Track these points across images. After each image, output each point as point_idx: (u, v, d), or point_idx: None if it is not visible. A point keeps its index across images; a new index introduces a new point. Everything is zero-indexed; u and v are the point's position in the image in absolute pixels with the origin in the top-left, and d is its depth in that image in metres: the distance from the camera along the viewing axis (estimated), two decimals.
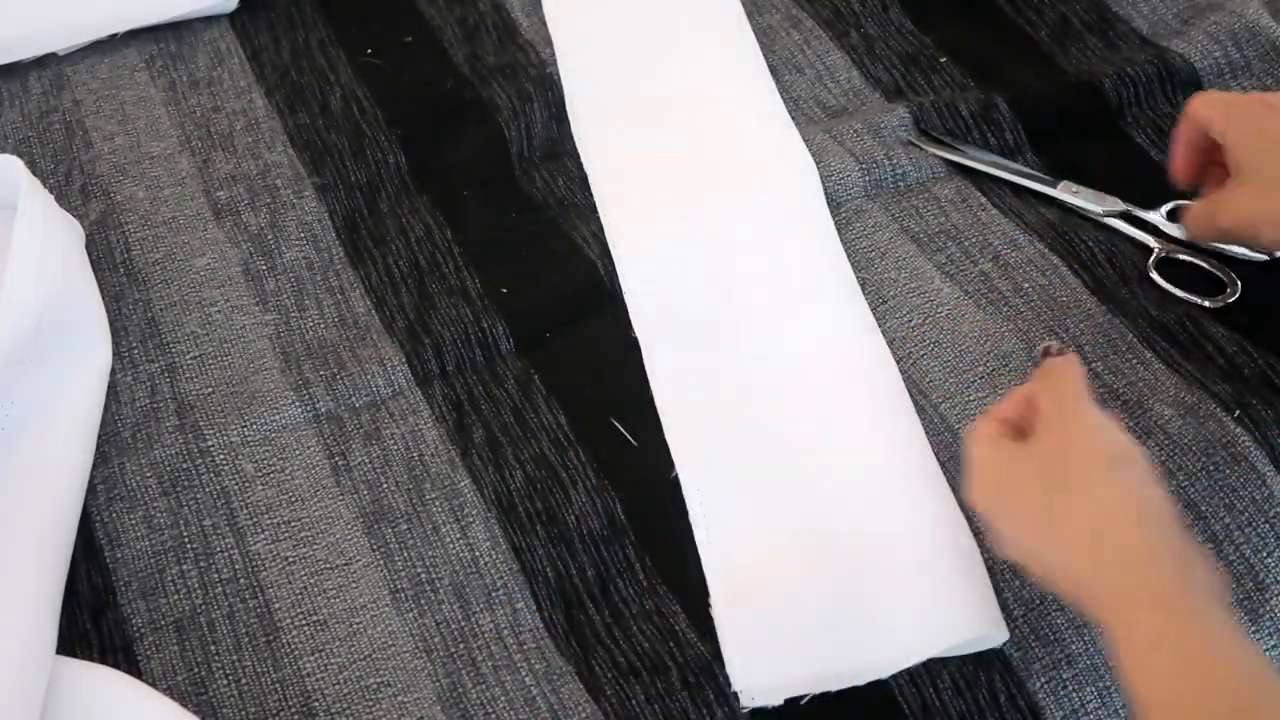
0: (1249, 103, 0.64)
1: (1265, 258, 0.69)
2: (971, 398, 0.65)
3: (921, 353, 0.68)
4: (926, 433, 0.64)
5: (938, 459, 0.63)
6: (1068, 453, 0.53)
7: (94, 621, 0.60)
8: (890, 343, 0.68)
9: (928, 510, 0.60)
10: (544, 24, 0.85)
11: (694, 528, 0.62)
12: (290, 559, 0.62)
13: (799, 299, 0.70)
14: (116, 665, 0.58)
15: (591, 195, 0.76)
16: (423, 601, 0.61)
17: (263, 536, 0.63)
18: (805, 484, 0.62)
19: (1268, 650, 0.58)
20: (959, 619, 0.56)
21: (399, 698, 0.58)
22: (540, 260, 0.73)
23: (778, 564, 0.60)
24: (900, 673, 0.57)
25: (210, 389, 0.68)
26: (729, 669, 0.57)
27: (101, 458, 0.65)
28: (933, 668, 0.57)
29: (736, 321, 0.69)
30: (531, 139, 0.79)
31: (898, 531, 0.60)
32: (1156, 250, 0.70)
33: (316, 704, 0.58)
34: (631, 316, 0.70)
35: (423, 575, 0.62)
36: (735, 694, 0.56)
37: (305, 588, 0.61)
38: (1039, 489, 0.53)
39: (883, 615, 0.58)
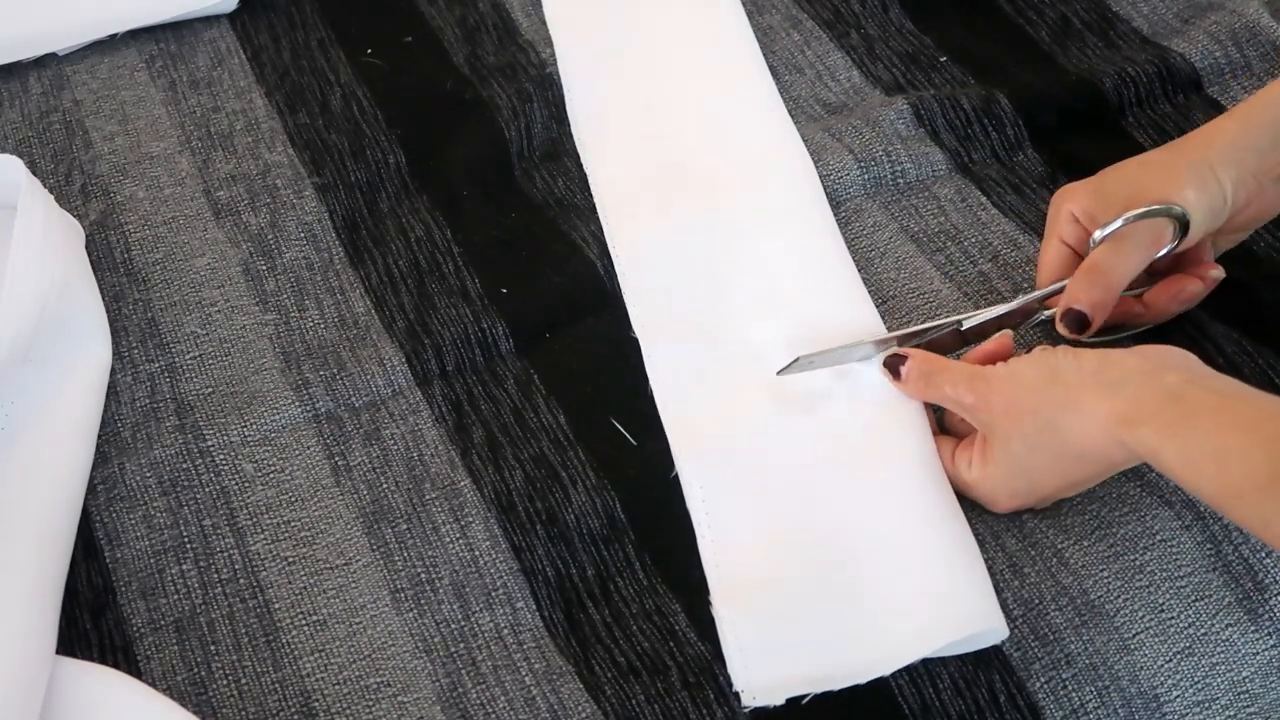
0: None
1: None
2: None
3: None
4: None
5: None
6: (992, 405, 0.58)
7: (94, 621, 0.60)
8: None
9: (927, 507, 0.60)
10: (544, 24, 0.85)
11: (695, 526, 0.62)
12: (290, 559, 0.62)
13: (799, 296, 0.70)
14: (116, 665, 0.58)
15: (591, 195, 0.76)
16: (423, 601, 0.61)
17: (263, 536, 0.63)
18: (806, 483, 0.62)
19: (1268, 650, 0.58)
20: (958, 615, 0.56)
21: (399, 698, 0.58)
22: (540, 260, 0.73)
23: (778, 562, 0.60)
24: (900, 672, 0.57)
25: (210, 389, 0.68)
26: (730, 668, 0.57)
27: (101, 458, 0.65)
28: (933, 667, 0.57)
29: (736, 321, 0.69)
30: (531, 139, 0.79)
31: (898, 529, 0.60)
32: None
33: (316, 704, 0.58)
34: (631, 316, 0.70)
35: (423, 575, 0.62)
36: (736, 694, 0.56)
37: (305, 588, 0.61)
38: (1017, 444, 0.57)
39: (883, 613, 0.58)
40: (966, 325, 0.65)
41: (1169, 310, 0.66)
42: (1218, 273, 0.66)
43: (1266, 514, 0.47)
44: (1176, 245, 0.63)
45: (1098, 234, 0.63)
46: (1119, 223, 0.62)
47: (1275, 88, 0.63)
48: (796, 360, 0.64)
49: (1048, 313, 0.66)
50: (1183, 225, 0.62)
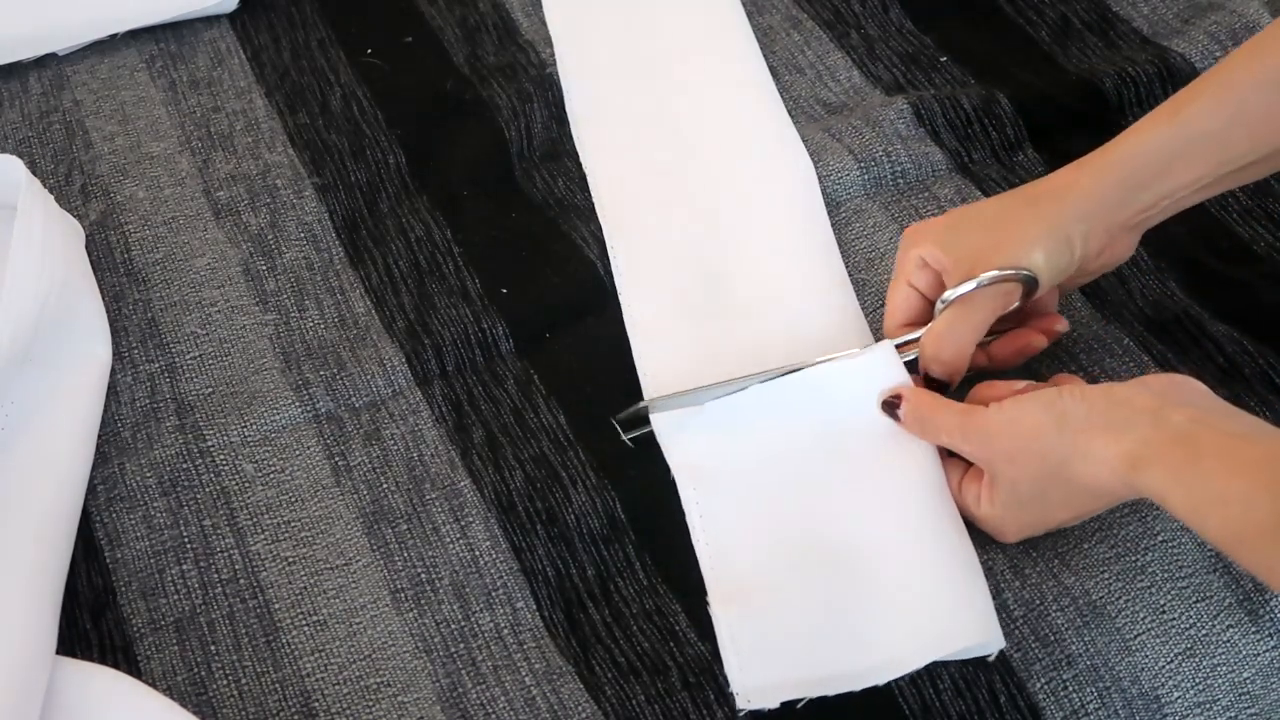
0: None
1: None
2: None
3: None
4: None
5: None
6: (993, 451, 0.57)
7: (94, 621, 0.60)
8: None
9: (926, 516, 0.60)
10: (544, 24, 0.85)
11: (690, 529, 0.62)
12: (290, 559, 0.62)
13: (794, 299, 0.70)
14: (116, 665, 0.58)
15: (591, 195, 0.76)
16: (423, 601, 0.61)
17: (263, 536, 0.63)
18: (801, 486, 0.62)
19: (1269, 651, 0.58)
20: (956, 627, 0.56)
21: (399, 698, 0.58)
22: (540, 260, 0.73)
23: (775, 566, 0.60)
24: None
25: (210, 389, 0.68)
26: (727, 670, 0.57)
27: (101, 458, 0.65)
28: (933, 669, 0.57)
29: (731, 323, 0.69)
30: (531, 139, 0.79)
31: (896, 536, 0.60)
32: None
33: (316, 704, 0.58)
34: (624, 317, 0.70)
35: (423, 575, 0.62)
36: (732, 694, 0.56)
37: (305, 588, 0.61)
38: (1025, 487, 0.56)
39: (880, 621, 0.57)
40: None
41: (1013, 362, 0.65)
42: (1061, 326, 0.66)
43: (1270, 560, 0.47)
44: (1024, 303, 0.63)
45: (949, 294, 0.62)
46: (970, 286, 0.61)
47: (1129, 138, 0.62)
48: (640, 406, 0.64)
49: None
50: (1031, 284, 0.62)
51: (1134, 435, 0.51)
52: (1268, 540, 0.46)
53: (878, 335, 0.68)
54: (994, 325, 0.63)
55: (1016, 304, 0.63)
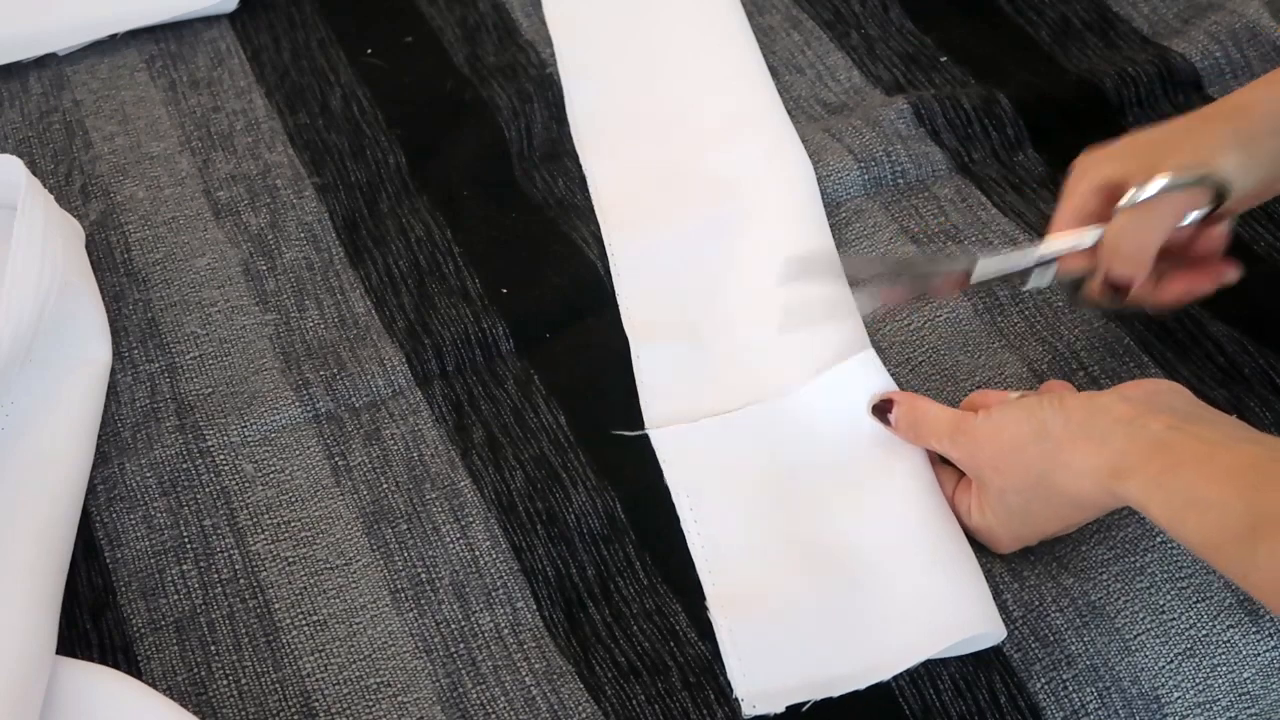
0: None
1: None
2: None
3: (920, 358, 0.68)
4: None
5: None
6: (979, 460, 0.57)
7: (94, 621, 0.60)
8: (889, 346, 0.68)
9: (921, 515, 0.60)
10: (544, 24, 0.85)
11: (685, 534, 0.62)
12: (290, 559, 0.62)
13: (791, 300, 0.70)
14: (116, 665, 0.58)
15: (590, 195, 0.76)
16: (423, 601, 0.61)
17: (263, 536, 0.63)
18: (797, 488, 0.62)
19: (1268, 651, 0.58)
20: (956, 618, 0.56)
21: (399, 698, 0.58)
22: (540, 260, 0.73)
23: (772, 568, 0.60)
24: (901, 674, 0.57)
25: (210, 389, 0.68)
26: (730, 676, 0.57)
27: (101, 458, 0.65)
28: (933, 668, 0.57)
29: (728, 324, 0.69)
30: (531, 139, 0.79)
31: (891, 536, 0.60)
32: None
33: (316, 704, 0.58)
34: (622, 317, 0.70)
35: (423, 575, 0.62)
36: (738, 700, 0.56)
37: (305, 588, 0.61)
38: (1012, 496, 0.56)
39: (880, 617, 0.57)
40: (974, 279, 0.63)
41: (1178, 302, 0.64)
42: (1231, 275, 0.64)
43: (1244, 565, 0.47)
44: (1210, 211, 0.60)
45: (1134, 193, 0.59)
46: (1161, 183, 0.58)
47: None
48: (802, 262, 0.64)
49: (1043, 270, 0.63)
50: (1223, 192, 0.59)
51: (1112, 446, 0.51)
52: (1243, 544, 0.47)
53: (873, 335, 0.68)
54: (1164, 256, 0.60)
55: (1206, 209, 0.59)
